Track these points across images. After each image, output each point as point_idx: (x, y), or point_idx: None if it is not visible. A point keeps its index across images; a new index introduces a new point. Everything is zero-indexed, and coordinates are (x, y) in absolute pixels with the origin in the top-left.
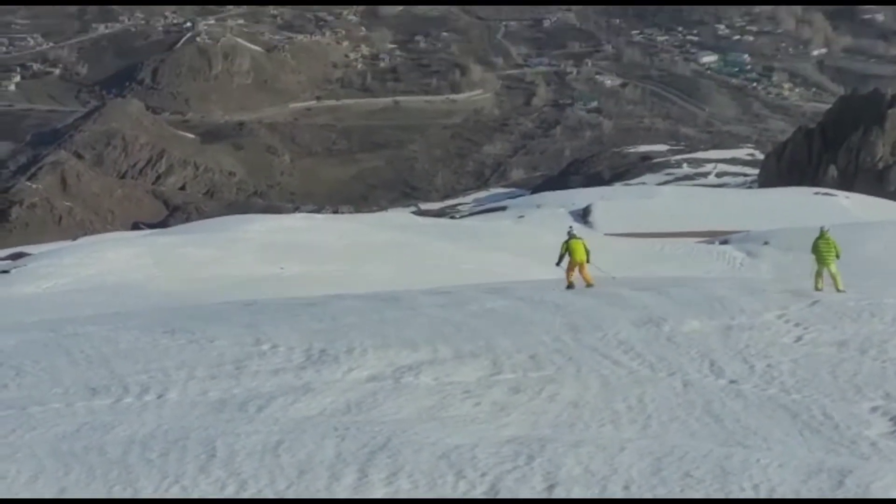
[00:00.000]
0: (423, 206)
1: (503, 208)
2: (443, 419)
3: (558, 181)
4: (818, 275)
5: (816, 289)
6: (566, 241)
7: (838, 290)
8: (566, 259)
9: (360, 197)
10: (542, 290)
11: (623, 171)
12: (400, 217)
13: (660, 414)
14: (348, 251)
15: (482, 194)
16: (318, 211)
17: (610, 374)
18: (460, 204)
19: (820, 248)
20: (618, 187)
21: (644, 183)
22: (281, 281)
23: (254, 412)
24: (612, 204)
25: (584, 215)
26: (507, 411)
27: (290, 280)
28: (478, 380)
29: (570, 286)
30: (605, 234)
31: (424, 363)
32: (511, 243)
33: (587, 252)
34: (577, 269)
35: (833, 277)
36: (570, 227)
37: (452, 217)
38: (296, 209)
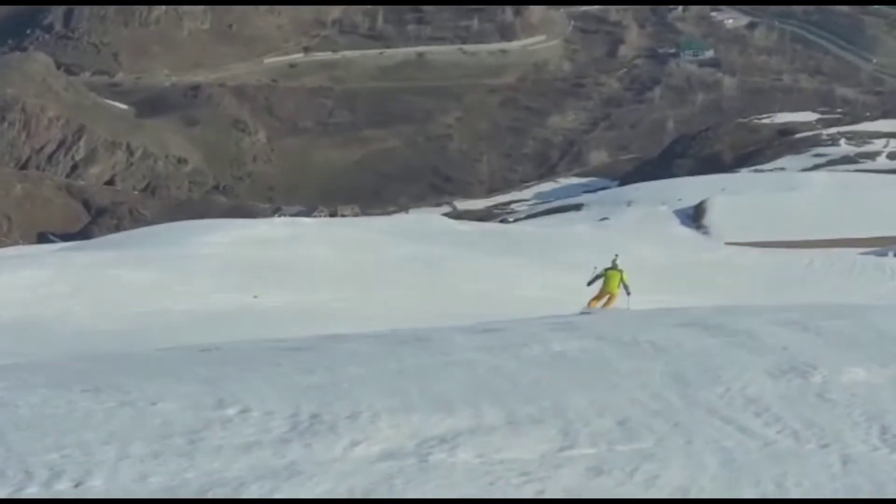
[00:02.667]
0: (462, 206)
1: (578, 207)
2: None
3: (658, 167)
4: None
5: None
6: (606, 269)
7: None
8: (598, 283)
9: (370, 193)
10: (635, 326)
11: (752, 152)
12: (428, 222)
13: None
14: (353, 272)
15: (547, 187)
16: (307, 214)
17: (735, 448)
18: (515, 202)
19: None
20: (745, 175)
21: (783, 168)
22: (254, 316)
23: None
24: (737, 200)
25: (695, 216)
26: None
27: (268, 315)
28: (541, 456)
29: (586, 312)
30: (727, 244)
31: (463, 433)
32: (590, 258)
33: (625, 286)
34: (605, 298)
35: None
36: (616, 255)
37: (504, 221)
38: (276, 212)
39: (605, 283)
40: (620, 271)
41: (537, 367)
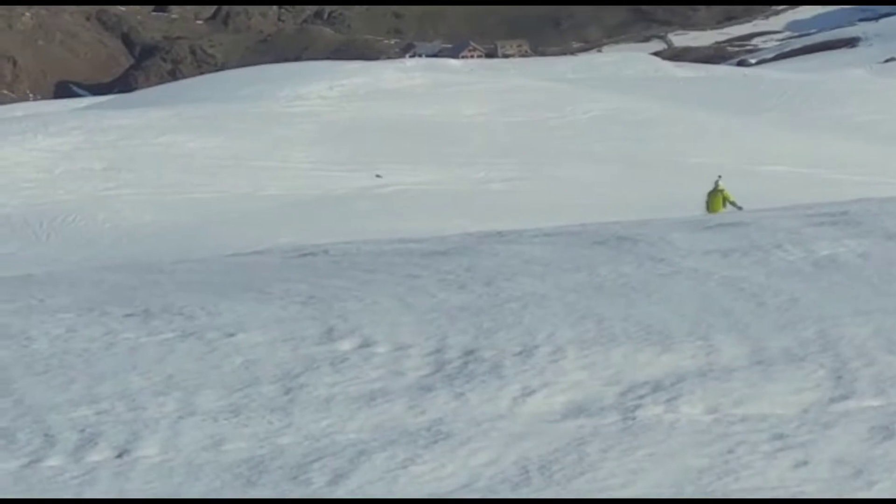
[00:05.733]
0: (681, 41)
1: (852, 42)
2: (730, 495)
3: None
4: None
5: None
6: (709, 192)
7: None
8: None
9: (545, 22)
10: None
11: None
12: (631, 64)
13: None
14: (522, 139)
15: (805, 13)
16: (453, 54)
17: None
18: (759, 35)
19: None
20: None
21: None
22: (377, 204)
23: (323, 485)
24: None
25: None
26: (871, 477)
27: (397, 202)
28: (803, 411)
29: None
30: None
31: (688, 377)
32: (869, 119)
33: (732, 204)
34: None
35: None
36: (719, 176)
37: (744, 63)
38: (407, 50)
39: (709, 207)
40: (721, 190)
41: (795, 279)
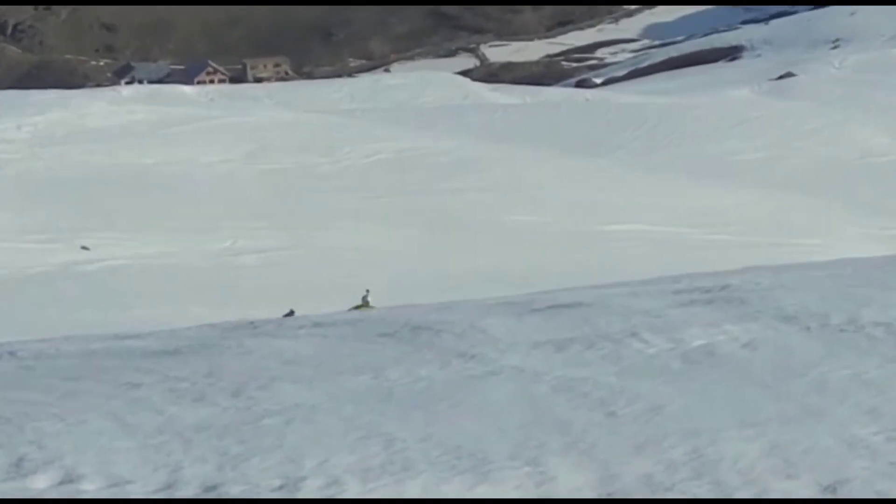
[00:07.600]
0: (497, 55)
1: (732, 53)
2: None
3: None
4: None
5: None
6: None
7: None
8: None
9: (312, 32)
10: (853, 294)
11: None
12: (432, 87)
13: None
14: (280, 194)
15: (667, 14)
16: (186, 79)
17: None
18: (605, 44)
19: None
20: None
21: None
22: (84, 285)
23: None
24: None
25: None
26: None
27: (111, 282)
28: None
29: None
30: None
31: None
32: (758, 155)
33: None
34: None
35: None
36: (367, 291)
37: (585, 84)
38: (122, 73)
39: None
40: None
41: (659, 380)
